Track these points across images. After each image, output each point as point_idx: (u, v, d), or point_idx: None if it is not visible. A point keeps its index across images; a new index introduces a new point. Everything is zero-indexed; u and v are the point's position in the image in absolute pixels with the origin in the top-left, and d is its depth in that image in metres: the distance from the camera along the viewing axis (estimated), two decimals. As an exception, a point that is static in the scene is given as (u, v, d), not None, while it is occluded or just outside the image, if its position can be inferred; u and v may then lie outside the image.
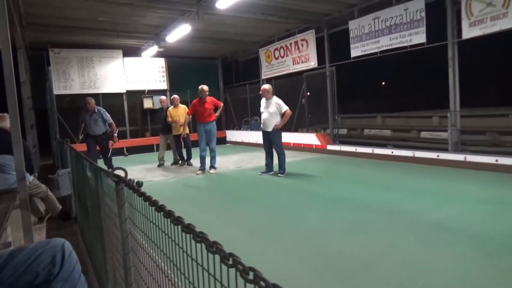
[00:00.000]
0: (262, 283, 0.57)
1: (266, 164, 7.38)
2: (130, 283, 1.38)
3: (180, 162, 9.16)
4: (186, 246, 0.94)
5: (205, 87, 7.71)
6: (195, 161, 8.51)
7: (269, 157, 7.32)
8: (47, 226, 4.77)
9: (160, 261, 1.22)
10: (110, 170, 1.52)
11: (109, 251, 1.99)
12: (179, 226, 0.91)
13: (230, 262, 0.66)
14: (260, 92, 7.22)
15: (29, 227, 4.03)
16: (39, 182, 4.74)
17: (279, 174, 7.05)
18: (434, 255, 3.10)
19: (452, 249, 3.21)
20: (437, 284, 2.60)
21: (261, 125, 7.27)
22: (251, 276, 0.62)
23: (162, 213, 0.97)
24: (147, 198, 1.07)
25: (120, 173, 1.53)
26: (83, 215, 3.40)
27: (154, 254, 1.29)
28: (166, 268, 1.19)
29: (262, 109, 7.17)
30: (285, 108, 6.98)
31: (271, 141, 7.11)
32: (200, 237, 0.74)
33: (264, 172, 7.35)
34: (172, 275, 1.15)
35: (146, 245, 1.36)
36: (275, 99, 7.07)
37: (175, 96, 8.95)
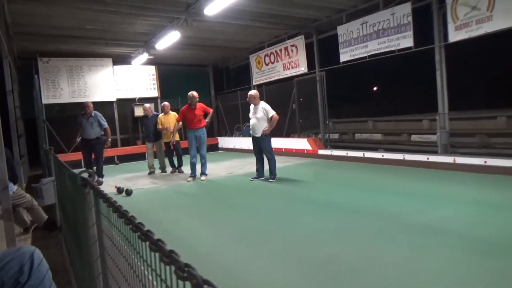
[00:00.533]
0: (194, 281, 0.54)
1: (256, 170, 7.36)
2: (100, 291, 1.33)
3: (171, 169, 9.10)
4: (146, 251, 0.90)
5: (195, 93, 7.69)
6: (186, 168, 8.47)
7: (259, 163, 7.31)
8: (33, 236, 4.69)
9: (136, 267, 1.18)
10: (78, 173, 1.47)
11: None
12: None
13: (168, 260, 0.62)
14: (247, 99, 7.24)
15: (12, 238, 3.95)
16: (24, 192, 4.66)
17: (270, 179, 7.04)
18: (424, 257, 3.09)
19: (442, 250, 3.19)
20: (426, 286, 2.58)
21: (250, 131, 7.31)
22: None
23: (123, 219, 0.93)
24: (110, 203, 1.04)
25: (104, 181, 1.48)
26: (66, 224, 3.35)
27: (133, 260, 1.25)
28: (142, 274, 1.15)
29: (250, 115, 7.21)
30: (272, 113, 6.99)
31: (261, 147, 7.10)
32: (145, 235, 0.70)
33: (255, 178, 7.32)
34: (147, 282, 1.11)
35: (129, 252, 1.32)
36: (262, 104, 7.07)
37: (165, 103, 8.94)
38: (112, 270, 1.22)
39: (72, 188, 1.99)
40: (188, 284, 0.59)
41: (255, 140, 7.18)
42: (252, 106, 7.21)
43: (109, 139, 8.22)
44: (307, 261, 3.18)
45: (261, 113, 6.99)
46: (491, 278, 2.65)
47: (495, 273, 2.72)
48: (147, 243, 0.77)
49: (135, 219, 0.94)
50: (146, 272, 0.92)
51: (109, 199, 1.08)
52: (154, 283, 0.87)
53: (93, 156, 8.06)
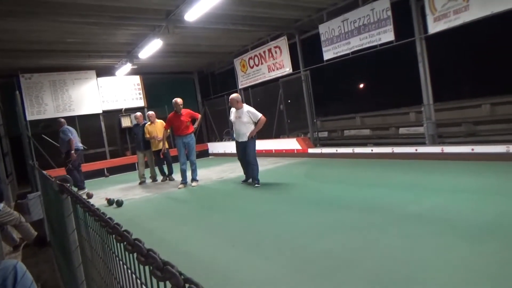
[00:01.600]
0: (174, 281, 0.50)
1: (245, 173, 7.29)
2: (83, 298, 1.30)
3: (161, 178, 9.03)
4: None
5: (179, 100, 7.64)
6: (177, 176, 8.41)
7: (244, 167, 7.26)
8: (23, 253, 4.60)
9: (115, 271, 1.15)
10: (54, 179, 1.44)
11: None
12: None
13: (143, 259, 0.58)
14: (230, 103, 7.04)
15: (1, 256, 3.88)
16: (11, 209, 4.58)
17: (256, 185, 6.77)
18: (415, 246, 3.10)
19: (433, 239, 3.21)
20: (418, 273, 2.59)
21: (234, 136, 7.14)
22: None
23: (99, 222, 0.91)
24: (87, 207, 1.02)
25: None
26: (54, 238, 3.29)
27: (113, 265, 1.22)
28: (121, 279, 1.13)
29: (233, 119, 6.97)
30: (259, 115, 6.83)
31: (246, 152, 6.88)
32: (121, 236, 0.68)
33: (245, 181, 7.28)
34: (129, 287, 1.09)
35: (108, 257, 1.30)
36: (247, 108, 6.90)
37: (150, 112, 8.89)
38: (94, 276, 1.19)
39: (54, 197, 1.95)
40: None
41: (241, 145, 6.99)
42: (233, 110, 6.99)
43: (71, 151, 8.20)
44: (300, 258, 3.17)
45: (246, 117, 6.78)
46: (483, 262, 2.67)
47: (487, 257, 2.74)
48: (124, 244, 0.75)
49: (112, 221, 0.92)
50: (126, 275, 0.90)
51: (86, 203, 1.06)
52: (135, 284, 0.85)
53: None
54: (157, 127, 8.62)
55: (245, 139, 6.85)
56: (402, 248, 3.10)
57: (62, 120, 8.70)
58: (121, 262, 0.80)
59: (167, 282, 0.54)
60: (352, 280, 2.65)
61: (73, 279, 1.48)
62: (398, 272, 2.65)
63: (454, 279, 2.44)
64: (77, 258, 1.32)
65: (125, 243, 0.67)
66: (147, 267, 0.60)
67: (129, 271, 0.76)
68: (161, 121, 8.74)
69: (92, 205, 1.00)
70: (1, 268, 1.49)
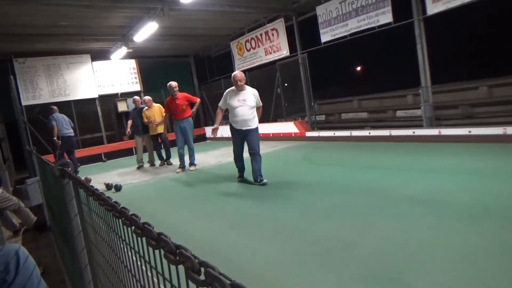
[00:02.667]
0: (188, 264, 0.50)
1: (240, 168, 6.22)
2: (88, 282, 1.31)
3: (159, 162, 9.03)
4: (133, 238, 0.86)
5: (173, 84, 7.58)
6: (175, 160, 8.41)
7: (241, 162, 6.17)
8: (23, 238, 4.63)
9: (124, 257, 1.15)
10: (54, 164, 1.43)
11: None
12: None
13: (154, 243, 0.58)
14: (237, 81, 5.68)
15: (1, 241, 3.90)
16: (10, 195, 4.58)
17: (264, 181, 5.57)
18: (413, 227, 3.14)
19: (430, 220, 3.25)
20: (416, 254, 2.63)
21: (237, 123, 5.78)
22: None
23: (105, 206, 0.90)
24: (90, 191, 1.01)
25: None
26: (54, 223, 3.30)
27: (118, 248, 1.22)
28: (129, 263, 1.13)
29: (235, 102, 5.71)
30: (260, 101, 5.96)
31: (249, 141, 5.76)
32: (129, 220, 0.67)
33: (241, 178, 6.20)
34: (138, 269, 1.09)
35: (115, 240, 1.29)
36: (252, 90, 5.85)
37: (146, 97, 8.80)
38: (99, 260, 1.20)
39: (54, 182, 1.95)
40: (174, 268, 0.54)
41: (244, 134, 5.76)
42: (233, 94, 5.78)
43: (54, 138, 8.33)
44: (299, 241, 3.20)
45: (252, 101, 5.72)
46: (479, 240, 2.71)
47: (484, 237, 2.78)
48: (132, 228, 0.74)
49: (118, 205, 0.91)
50: (131, 260, 0.90)
51: (90, 188, 1.05)
52: (140, 270, 0.85)
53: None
54: (154, 111, 8.57)
55: (253, 125, 5.72)
56: (400, 229, 3.14)
57: (54, 107, 8.73)
58: (128, 246, 0.80)
59: (177, 266, 0.54)
60: (351, 261, 2.68)
61: (76, 263, 1.48)
62: (396, 253, 2.69)
63: (452, 260, 2.47)
64: (80, 242, 1.32)
65: (133, 227, 0.66)
66: (156, 251, 0.60)
67: (138, 255, 0.75)
68: (159, 105, 8.69)
69: (96, 189, 1.00)
70: (3, 252, 1.49)
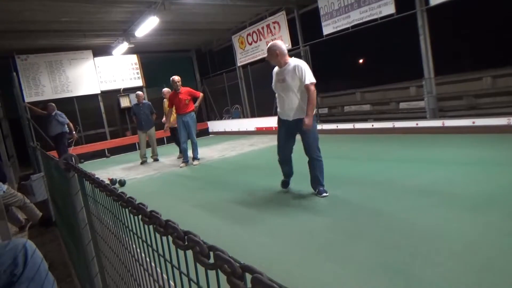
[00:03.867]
0: (197, 248, 0.50)
1: (286, 179, 4.71)
2: (95, 274, 1.32)
3: (179, 154, 8.93)
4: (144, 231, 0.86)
5: (176, 78, 7.57)
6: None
7: (288, 165, 4.68)
8: (29, 234, 4.66)
9: (131, 247, 1.16)
10: (60, 158, 1.44)
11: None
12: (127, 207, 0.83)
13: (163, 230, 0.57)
14: (267, 57, 4.40)
15: (8, 237, 3.92)
16: (15, 191, 4.60)
17: (324, 194, 4.15)
18: (418, 218, 3.13)
19: (435, 211, 3.24)
20: (422, 245, 2.62)
21: (280, 112, 4.45)
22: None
23: (111, 195, 0.91)
24: (96, 183, 1.01)
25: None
26: (59, 218, 3.32)
27: (125, 239, 1.23)
28: (136, 253, 1.13)
29: (275, 84, 4.39)
30: (309, 77, 4.13)
31: (305, 138, 4.40)
32: (136, 208, 0.67)
33: (287, 184, 4.73)
34: (145, 259, 1.10)
35: (120, 231, 1.30)
36: (296, 61, 4.19)
37: (165, 89, 8.92)
38: (106, 252, 1.21)
39: (59, 177, 1.95)
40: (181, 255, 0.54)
41: (290, 127, 4.41)
42: (275, 72, 4.34)
43: (73, 133, 9.17)
44: (304, 233, 3.21)
45: (296, 78, 4.12)
46: (486, 232, 2.70)
47: (490, 227, 2.77)
48: (139, 217, 0.74)
49: (125, 195, 0.92)
50: (138, 250, 0.90)
51: (95, 179, 1.06)
52: (147, 259, 0.85)
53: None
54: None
55: (302, 115, 4.19)
56: (405, 220, 3.13)
57: (53, 104, 9.10)
58: (135, 236, 0.80)
59: (185, 253, 0.54)
60: (356, 252, 2.68)
61: (83, 256, 1.49)
62: (402, 245, 2.69)
63: (458, 250, 2.47)
64: (86, 235, 1.33)
65: (141, 215, 0.67)
66: (164, 239, 0.60)
67: (145, 244, 0.76)
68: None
69: (102, 180, 1.00)
70: (11, 247, 1.50)
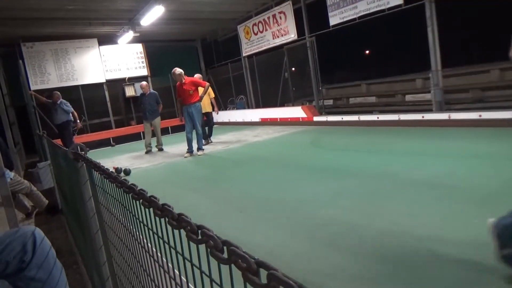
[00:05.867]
0: (211, 242, 0.50)
1: None
2: (103, 263, 1.34)
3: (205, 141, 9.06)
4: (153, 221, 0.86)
5: (176, 71, 7.53)
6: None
7: None
8: (35, 221, 4.71)
9: (141, 238, 1.17)
10: (71, 147, 1.45)
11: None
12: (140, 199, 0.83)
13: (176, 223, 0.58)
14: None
15: (15, 224, 3.97)
16: (21, 178, 4.65)
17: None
18: (422, 212, 3.13)
19: (439, 204, 3.24)
20: (425, 238, 2.63)
21: None
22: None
23: (121, 187, 0.91)
24: (104, 172, 1.02)
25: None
26: (66, 205, 3.35)
27: (134, 230, 1.24)
28: (146, 243, 1.14)
29: None
30: None
31: None
32: (148, 201, 0.68)
33: None
34: (154, 250, 1.11)
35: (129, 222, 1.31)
36: None
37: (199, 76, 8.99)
38: (114, 241, 1.22)
39: (66, 166, 1.97)
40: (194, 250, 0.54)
41: None
42: None
43: (78, 121, 9.20)
44: (308, 225, 3.22)
45: None
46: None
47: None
48: (151, 209, 0.74)
49: (136, 187, 0.92)
50: (145, 240, 0.91)
51: (104, 170, 1.07)
52: (154, 249, 0.86)
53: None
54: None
55: None
56: (409, 213, 3.14)
57: (58, 92, 9.07)
58: (146, 227, 0.81)
59: (198, 247, 0.55)
60: (360, 245, 2.69)
61: (90, 245, 1.51)
62: (405, 238, 2.69)
63: (461, 244, 2.48)
64: (94, 224, 1.34)
65: (153, 208, 0.67)
66: (176, 232, 0.60)
67: (155, 235, 0.76)
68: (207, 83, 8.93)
69: (112, 172, 1.01)
70: (20, 234, 1.52)
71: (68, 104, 9.05)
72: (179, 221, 0.56)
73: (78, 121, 9.29)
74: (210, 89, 8.86)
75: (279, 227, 3.29)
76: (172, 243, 0.66)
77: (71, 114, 9.07)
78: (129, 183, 0.84)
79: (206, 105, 9.00)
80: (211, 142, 9.29)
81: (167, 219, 0.60)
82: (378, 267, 2.35)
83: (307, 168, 5.39)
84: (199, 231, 0.51)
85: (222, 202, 4.35)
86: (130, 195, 0.82)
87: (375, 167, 4.84)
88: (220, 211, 4.01)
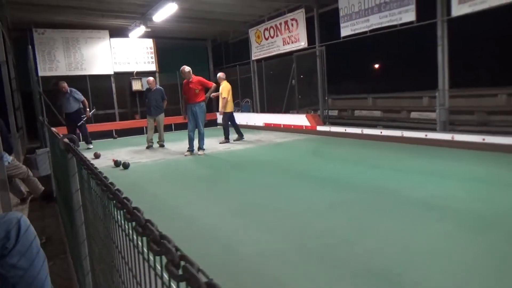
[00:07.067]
0: (169, 256, 0.48)
1: None
2: (84, 256, 1.32)
3: (237, 137, 9.46)
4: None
5: (185, 68, 7.57)
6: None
7: None
8: (30, 207, 4.71)
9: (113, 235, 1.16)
10: (61, 137, 1.44)
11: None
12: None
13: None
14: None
15: (8, 208, 3.97)
16: (20, 163, 4.65)
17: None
18: (417, 231, 3.10)
19: (435, 225, 3.21)
20: (417, 257, 2.60)
21: None
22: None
23: (100, 184, 0.90)
24: (89, 169, 1.01)
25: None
26: (60, 194, 3.35)
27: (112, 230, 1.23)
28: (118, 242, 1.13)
29: None
30: None
31: None
32: (121, 203, 0.67)
33: None
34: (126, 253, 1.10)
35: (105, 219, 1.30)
36: None
37: (220, 74, 9.44)
38: (95, 236, 1.21)
39: (60, 155, 1.96)
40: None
41: None
42: None
43: (87, 109, 9.49)
44: (301, 234, 3.20)
45: None
46: (483, 251, 2.66)
47: (488, 247, 2.73)
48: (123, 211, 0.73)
49: (113, 186, 0.91)
50: (124, 242, 0.89)
51: (90, 165, 1.06)
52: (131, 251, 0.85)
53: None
54: (222, 88, 8.99)
55: None
56: (403, 231, 3.11)
57: (65, 82, 9.33)
58: (120, 228, 0.80)
59: (160, 257, 0.53)
60: (350, 258, 2.67)
61: (76, 236, 1.50)
62: (397, 255, 2.67)
63: (453, 267, 2.45)
64: (79, 217, 1.33)
65: (124, 210, 0.66)
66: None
67: (127, 238, 0.75)
68: (226, 83, 9.20)
69: (96, 168, 1.00)
70: (5, 220, 1.51)
71: (78, 92, 9.24)
72: (144, 228, 0.54)
73: (88, 109, 9.51)
74: (228, 87, 9.07)
75: (271, 234, 3.27)
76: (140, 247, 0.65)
77: (81, 103, 9.31)
78: (109, 182, 0.83)
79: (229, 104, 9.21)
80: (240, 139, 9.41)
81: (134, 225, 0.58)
82: (367, 283, 2.32)
83: (306, 177, 5.37)
84: (161, 242, 0.49)
85: (217, 203, 4.33)
86: (106, 194, 0.81)
87: (374, 182, 4.81)
88: (214, 212, 4.00)
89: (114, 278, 0.92)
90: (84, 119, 9.46)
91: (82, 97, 9.29)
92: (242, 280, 2.45)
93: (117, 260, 0.88)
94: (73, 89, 9.21)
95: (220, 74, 9.43)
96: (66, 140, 1.41)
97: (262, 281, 2.43)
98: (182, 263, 0.41)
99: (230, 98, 9.19)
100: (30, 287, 1.46)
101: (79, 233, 1.35)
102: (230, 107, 9.29)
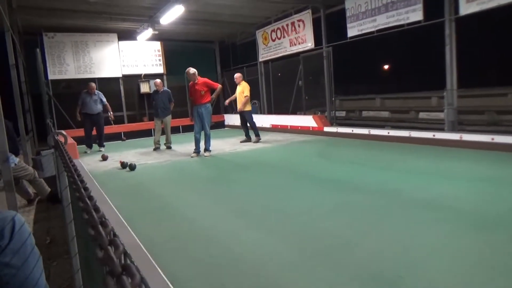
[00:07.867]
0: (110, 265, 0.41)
1: None
2: (74, 254, 1.33)
3: (256, 138, 9.40)
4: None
5: (190, 70, 7.61)
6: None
7: None
8: (36, 208, 4.77)
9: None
10: (51, 133, 1.45)
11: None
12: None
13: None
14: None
15: (15, 209, 4.02)
16: (26, 165, 4.72)
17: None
18: (421, 232, 3.06)
19: (439, 226, 3.16)
20: (420, 259, 2.56)
21: None
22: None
23: (75, 189, 0.90)
24: (67, 166, 1.01)
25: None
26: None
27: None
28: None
29: None
30: None
31: None
32: (83, 202, 0.65)
33: None
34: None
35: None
36: None
37: (237, 74, 9.50)
38: (82, 234, 1.21)
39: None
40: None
41: None
42: None
43: (110, 113, 9.84)
44: (301, 235, 3.18)
45: None
46: (489, 252, 2.61)
47: (492, 247, 2.68)
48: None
49: (84, 184, 0.89)
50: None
51: (69, 163, 1.06)
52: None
53: (94, 131, 9.64)
54: (243, 87, 9.07)
55: None
56: (407, 233, 3.06)
57: (94, 84, 9.71)
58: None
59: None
60: (351, 260, 2.64)
61: (66, 234, 1.50)
62: (399, 256, 2.63)
63: (456, 269, 2.40)
64: (68, 214, 1.34)
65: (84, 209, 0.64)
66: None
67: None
68: (246, 83, 9.20)
69: (76, 169, 1.00)
70: (0, 218, 1.52)
71: (103, 96, 9.58)
72: (96, 232, 0.52)
73: (111, 112, 9.85)
74: (247, 88, 9.11)
75: (272, 235, 3.25)
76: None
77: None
78: (86, 185, 0.82)
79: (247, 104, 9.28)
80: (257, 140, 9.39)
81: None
82: (367, 286, 2.29)
83: (311, 178, 5.34)
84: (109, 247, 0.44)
85: (221, 204, 4.34)
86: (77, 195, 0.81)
87: (379, 183, 4.76)
88: (217, 212, 4.00)
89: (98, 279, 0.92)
90: (110, 118, 9.91)
91: (106, 101, 9.64)
92: (242, 282, 2.44)
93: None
94: (100, 92, 9.60)
95: (237, 75, 9.49)
96: (60, 137, 1.42)
97: (262, 283, 2.41)
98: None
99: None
100: (23, 286, 1.47)
101: (68, 230, 1.36)
102: (250, 106, 9.39)
